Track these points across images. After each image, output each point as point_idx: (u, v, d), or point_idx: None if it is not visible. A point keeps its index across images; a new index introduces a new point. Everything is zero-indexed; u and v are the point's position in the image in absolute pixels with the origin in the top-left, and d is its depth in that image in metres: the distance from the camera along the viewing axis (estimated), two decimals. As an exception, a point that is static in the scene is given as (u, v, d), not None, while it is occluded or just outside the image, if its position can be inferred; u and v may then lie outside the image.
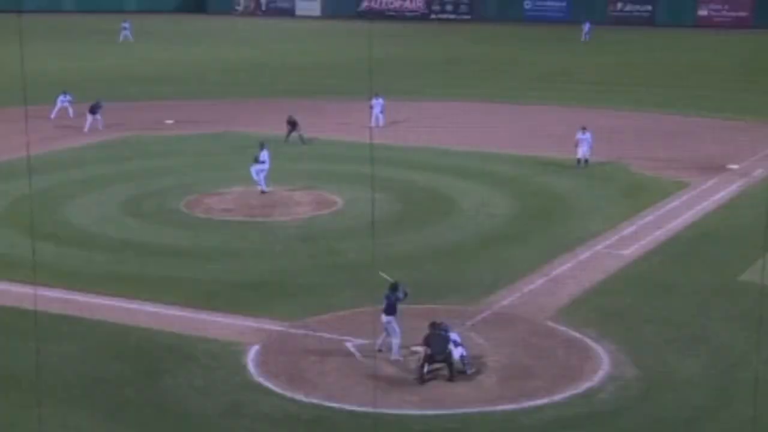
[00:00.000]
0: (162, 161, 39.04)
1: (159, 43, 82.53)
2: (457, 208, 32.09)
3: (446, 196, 33.61)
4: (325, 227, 30.06)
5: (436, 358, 19.44)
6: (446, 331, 19.73)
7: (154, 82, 51.29)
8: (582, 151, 37.08)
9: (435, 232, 29.41)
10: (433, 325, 19.77)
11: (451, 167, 37.64)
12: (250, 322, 22.28)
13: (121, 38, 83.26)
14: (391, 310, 20.12)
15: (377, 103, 43.83)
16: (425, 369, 19.39)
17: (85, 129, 43.26)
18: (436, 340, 19.49)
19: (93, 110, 44.01)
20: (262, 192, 31.96)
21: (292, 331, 21.89)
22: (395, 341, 20.25)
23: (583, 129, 37.30)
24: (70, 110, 46.27)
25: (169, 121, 46.84)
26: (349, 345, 20.93)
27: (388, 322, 20.14)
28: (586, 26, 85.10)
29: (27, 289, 22.82)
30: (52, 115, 45.83)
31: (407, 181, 35.55)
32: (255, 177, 32.99)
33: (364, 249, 26.57)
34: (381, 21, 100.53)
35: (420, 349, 19.83)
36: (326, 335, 21.46)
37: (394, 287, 20.43)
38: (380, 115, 44.17)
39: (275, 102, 52.10)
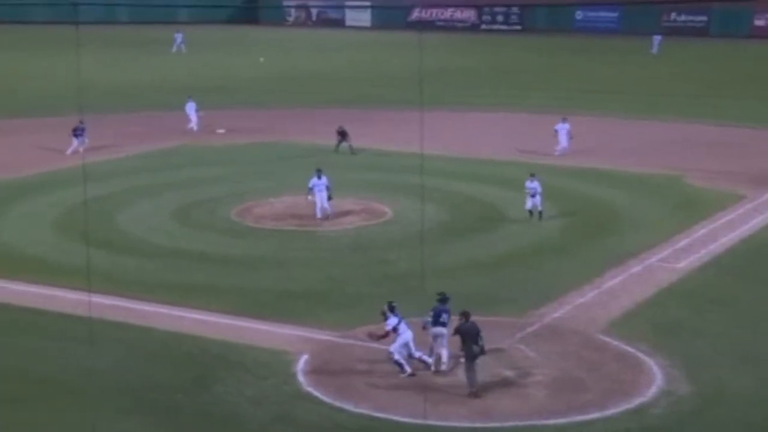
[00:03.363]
0: (213, 170, 39.32)
1: (211, 53, 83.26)
2: (506, 218, 31.86)
3: (494, 207, 33.42)
4: (374, 237, 30.02)
5: (475, 353, 19.05)
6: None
7: (206, 91, 51.70)
8: (532, 202, 31.21)
9: (483, 242, 29.23)
10: (465, 315, 19.41)
11: (499, 177, 37.40)
12: (299, 332, 22.29)
13: (175, 49, 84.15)
14: (441, 321, 19.97)
15: (563, 127, 40.96)
16: (473, 373, 18.93)
17: (68, 152, 40.73)
18: (471, 331, 19.09)
19: (77, 133, 41.17)
20: (321, 218, 31.08)
21: (341, 340, 21.87)
22: (445, 352, 20.11)
23: (532, 176, 31.45)
24: (194, 117, 46.54)
25: (221, 131, 47.19)
26: (391, 349, 20.78)
27: (440, 334, 19.99)
28: (657, 38, 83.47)
29: (81, 296, 23.07)
30: (194, 126, 46.27)
31: (456, 192, 35.39)
32: (320, 202, 31.31)
33: (413, 259, 26.46)
34: (431, 31, 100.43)
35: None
36: (374, 345, 21.37)
37: (443, 299, 20.30)
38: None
39: (325, 111, 52.25)
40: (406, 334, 19.85)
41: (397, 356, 19.82)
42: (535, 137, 46.27)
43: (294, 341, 21.79)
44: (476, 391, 19.08)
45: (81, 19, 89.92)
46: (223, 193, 35.17)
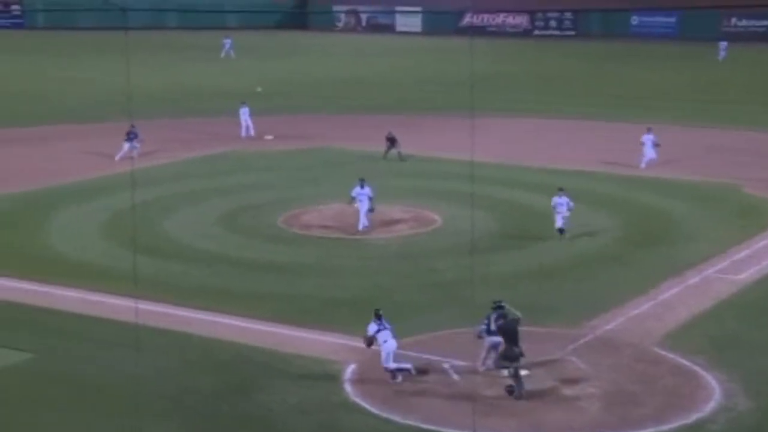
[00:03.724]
0: (261, 176, 39.52)
1: (260, 59, 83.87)
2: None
3: (546, 215, 33.10)
4: (423, 245, 29.92)
5: (516, 353, 18.97)
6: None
7: (255, 97, 52.04)
8: (560, 220, 30.00)
9: (535, 251, 28.98)
10: (500, 309, 19.44)
11: (551, 185, 37.03)
12: (345, 340, 22.22)
13: (223, 54, 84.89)
14: (495, 331, 19.79)
15: (648, 138, 39.84)
16: (518, 376, 18.89)
17: (117, 157, 41.29)
18: (510, 330, 19.08)
19: (130, 137, 41.51)
20: (361, 231, 30.71)
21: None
22: (490, 361, 19.91)
23: (560, 190, 30.39)
24: (249, 123, 46.86)
25: (269, 137, 47.43)
26: (446, 366, 20.68)
27: (497, 344, 19.80)
28: (723, 44, 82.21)
29: (127, 302, 23.25)
30: (251, 132, 46.71)
31: (506, 200, 35.18)
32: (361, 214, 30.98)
33: (463, 268, 26.31)
34: (482, 37, 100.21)
35: (526, 372, 19.52)
36: (423, 355, 21.23)
37: (499, 306, 20.13)
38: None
39: (374, 118, 52.27)
40: (389, 345, 19.88)
41: (393, 366, 19.82)
42: (588, 144, 45.85)
43: (340, 350, 21.73)
44: (516, 390, 18.99)
45: (129, 25, 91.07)
46: (269, 200, 35.31)
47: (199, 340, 22.38)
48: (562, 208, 29.82)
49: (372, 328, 20.23)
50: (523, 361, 19.28)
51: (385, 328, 20.15)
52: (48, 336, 22.54)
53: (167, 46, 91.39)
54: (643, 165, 40.10)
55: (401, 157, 42.02)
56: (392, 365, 19.90)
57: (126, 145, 41.52)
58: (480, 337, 20.08)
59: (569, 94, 62.91)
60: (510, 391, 19.11)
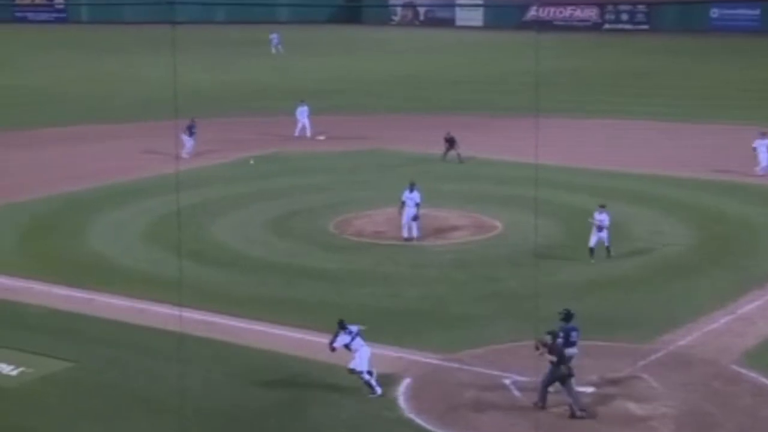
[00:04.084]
0: (311, 178, 39.76)
1: (311, 55, 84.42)
2: (627, 235, 31.31)
3: (615, 222, 32.84)
4: (483, 253, 29.87)
5: (562, 373, 19.11)
6: None
7: (305, 95, 52.38)
8: (598, 237, 28.61)
9: (603, 261, 28.74)
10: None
11: (620, 191, 36.82)
12: (399, 353, 22.29)
13: (273, 50, 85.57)
14: (571, 341, 19.75)
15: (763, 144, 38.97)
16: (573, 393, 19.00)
17: (183, 153, 42.47)
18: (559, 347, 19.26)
19: (191, 131, 43.00)
20: (407, 239, 30.42)
21: (446, 364, 21.76)
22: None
23: (602, 207, 28.99)
24: (306, 123, 47.19)
25: (321, 137, 47.72)
26: (507, 382, 20.65)
27: (572, 356, 19.75)
28: None
29: (171, 310, 23.56)
30: (306, 132, 47.12)
31: (573, 206, 34.96)
32: (407, 220, 30.67)
33: (525, 277, 26.24)
34: (548, 31, 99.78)
35: (589, 389, 19.43)
36: (482, 370, 21.22)
37: (567, 315, 20.05)
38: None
39: (432, 118, 52.31)
40: (363, 351, 20.15)
41: (366, 377, 20.01)
42: (661, 147, 45.42)
43: (394, 363, 21.78)
44: (542, 405, 19.25)
45: (177, 19, 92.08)
46: (321, 204, 35.52)
47: (247, 351, 22.56)
48: (602, 225, 28.38)
49: (342, 339, 20.40)
50: (573, 380, 19.27)
51: (356, 336, 20.41)
52: (90, 344, 22.91)
53: (216, 42, 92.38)
54: (760, 172, 39.12)
55: (460, 160, 42.02)
56: (366, 376, 20.09)
57: (188, 140, 42.50)
58: (537, 348, 19.94)
59: (642, 94, 62.35)
60: (571, 413, 19.14)
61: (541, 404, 19.42)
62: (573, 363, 19.79)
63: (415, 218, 30.52)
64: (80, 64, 77.42)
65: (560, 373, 19.21)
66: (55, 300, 26.01)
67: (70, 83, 67.48)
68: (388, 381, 20.85)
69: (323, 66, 77.30)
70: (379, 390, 20.10)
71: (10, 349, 22.46)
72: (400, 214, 30.87)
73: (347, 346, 20.34)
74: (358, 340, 20.37)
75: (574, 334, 19.98)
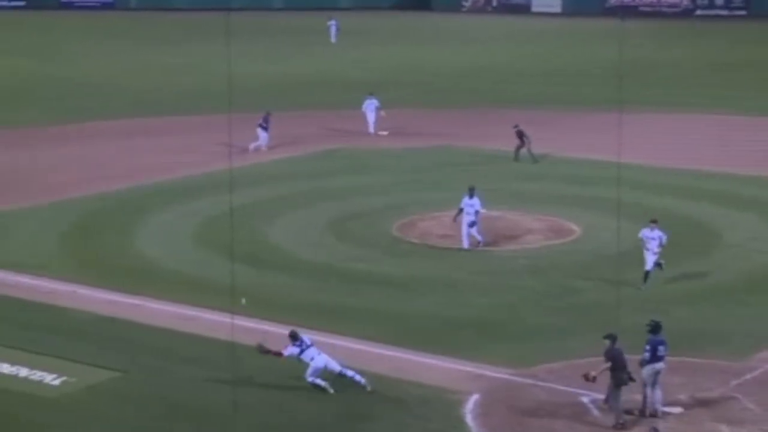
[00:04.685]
0: (373, 177, 39.88)
1: (374, 44, 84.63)
2: (720, 242, 30.95)
3: (707, 228, 32.52)
4: (559, 259, 29.74)
5: (624, 381, 19.39)
6: None
7: (367, 87, 52.54)
8: (650, 260, 26.96)
9: (693, 270, 28.45)
10: (613, 338, 19.79)
11: (712, 193, 36.39)
12: (468, 367, 22.28)
13: (334, 38, 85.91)
14: (658, 356, 19.67)
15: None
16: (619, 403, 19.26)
17: (252, 147, 43.64)
18: (620, 356, 19.47)
19: (265, 125, 43.89)
20: (469, 247, 30.25)
21: (518, 379, 21.73)
22: (659, 393, 19.75)
23: (653, 222, 27.32)
24: (372, 117, 47.46)
25: (384, 132, 47.82)
26: (585, 400, 20.55)
27: (659, 371, 19.63)
28: None
29: (223, 317, 23.79)
30: (372, 130, 47.48)
31: (659, 208, 34.52)
32: (466, 227, 30.44)
33: (605, 286, 26.07)
34: (634, 18, 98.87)
35: (676, 409, 19.29)
36: (558, 387, 21.14)
37: (655, 327, 19.91)
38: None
39: (504, 112, 52.09)
40: (318, 360, 20.93)
41: (311, 379, 20.88)
42: (761, 145, 44.77)
43: (462, 378, 21.78)
44: (624, 422, 19.28)
45: (232, 6, 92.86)
46: (383, 205, 35.62)
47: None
48: (653, 244, 26.75)
49: (292, 350, 21.17)
50: (631, 384, 19.55)
51: (308, 347, 21.17)
52: (137, 353, 23.25)
53: (271, 29, 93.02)
54: None
55: (533, 158, 41.83)
56: (348, 373, 20.99)
57: (263, 134, 43.43)
58: (642, 365, 19.84)
59: (737, 87, 61.47)
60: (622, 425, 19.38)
61: (621, 422, 19.35)
62: (660, 380, 19.65)
63: (472, 224, 30.29)
64: (128, 54, 78.49)
65: (622, 380, 19.36)
66: (99, 305, 26.43)
67: (118, 74, 68.47)
68: (454, 397, 20.87)
69: (387, 56, 77.44)
70: (330, 389, 20.82)
71: (52, 357, 22.88)
72: (455, 221, 30.72)
73: (298, 358, 21.12)
74: (311, 352, 21.12)
75: (661, 348, 19.83)
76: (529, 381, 21.56)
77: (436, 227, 32.70)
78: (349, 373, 21.13)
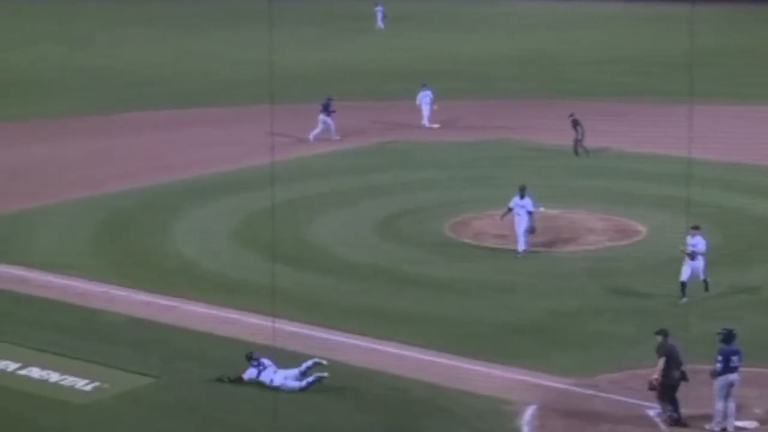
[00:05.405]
0: (423, 173, 39.86)
1: (422, 30, 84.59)
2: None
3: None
4: (623, 261, 29.56)
5: (677, 379, 19.51)
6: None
7: (417, 77, 52.53)
8: (692, 268, 26.07)
9: (718, 293, 27.82)
10: (665, 334, 19.93)
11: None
12: (523, 376, 22.21)
13: (381, 25, 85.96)
14: (731, 366, 19.60)
15: None
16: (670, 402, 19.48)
17: (311, 136, 44.46)
18: (674, 353, 19.61)
19: (326, 110, 44.80)
20: (518, 254, 29.94)
21: (577, 390, 21.62)
22: (733, 405, 19.62)
23: (695, 229, 26.35)
24: (426, 109, 47.75)
25: (435, 125, 47.80)
26: (651, 413, 20.40)
27: (733, 383, 19.52)
28: None
29: (263, 321, 23.91)
30: (426, 123, 47.68)
31: (733, 208, 34.35)
32: (518, 230, 30.18)
33: (673, 291, 25.83)
34: (706, 3, 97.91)
35: (751, 424, 19.15)
36: (621, 398, 21.00)
37: (728, 336, 19.74)
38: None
39: (563, 103, 51.83)
40: (276, 381, 21.44)
41: (280, 383, 21.43)
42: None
43: (517, 387, 21.72)
44: (678, 417, 19.60)
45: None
46: (434, 202, 35.59)
47: (348, 369, 22.69)
48: (696, 252, 26.00)
49: (250, 373, 21.66)
50: (683, 384, 19.69)
51: (265, 368, 21.63)
52: (172, 358, 23.39)
53: (315, 16, 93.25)
54: None
55: (585, 151, 41.56)
56: (305, 383, 21.50)
57: (328, 120, 44.23)
58: (713, 376, 19.68)
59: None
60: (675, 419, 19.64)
61: (677, 414, 19.61)
62: (733, 392, 19.47)
63: (532, 231, 30.07)
64: (164, 42, 79.09)
65: (675, 378, 19.45)
66: (133, 307, 26.64)
67: (153, 63, 69.03)
68: (509, 408, 20.81)
69: (436, 43, 77.37)
70: (324, 374, 21.48)
71: (84, 361, 23.06)
72: (502, 219, 30.56)
73: (257, 380, 21.54)
74: (268, 372, 21.58)
75: (735, 358, 19.63)
76: (590, 392, 21.44)
77: (491, 226, 32.59)
78: (310, 380, 21.48)
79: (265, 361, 21.79)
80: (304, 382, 21.49)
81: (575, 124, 41.88)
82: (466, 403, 21.03)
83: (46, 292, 27.64)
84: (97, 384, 22.06)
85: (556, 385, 21.85)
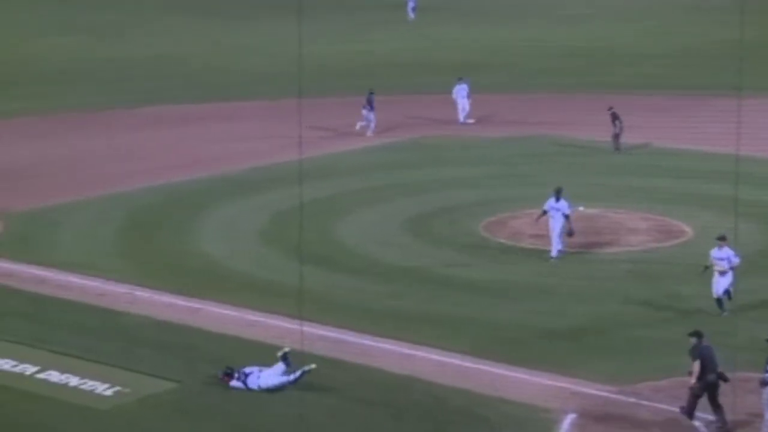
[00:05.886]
0: (458, 170, 39.77)
1: (455, 21, 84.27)
2: None
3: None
4: (667, 264, 29.38)
5: (712, 381, 19.58)
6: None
7: (451, 70, 52.38)
8: (723, 284, 25.38)
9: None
10: (699, 335, 20.06)
11: None
12: (563, 383, 22.14)
13: (412, 15, 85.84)
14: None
15: None
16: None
17: (358, 128, 45.04)
18: (709, 354, 19.67)
19: (370, 104, 45.14)
20: (551, 257, 29.72)
21: (619, 398, 21.53)
22: None
23: (722, 240, 25.73)
24: (462, 104, 47.61)
25: (470, 121, 47.69)
26: (696, 423, 20.26)
27: None
28: None
29: (290, 324, 23.91)
30: (461, 118, 47.64)
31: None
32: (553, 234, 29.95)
33: (720, 295, 25.71)
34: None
35: None
36: (665, 407, 20.90)
37: None
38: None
39: (603, 97, 51.52)
40: (264, 379, 21.81)
41: (268, 384, 21.72)
42: None
43: (557, 395, 21.63)
44: (725, 426, 19.68)
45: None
46: (469, 201, 35.50)
47: (380, 375, 22.70)
48: (722, 265, 25.35)
49: (236, 384, 21.98)
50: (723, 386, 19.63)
51: (247, 376, 21.95)
52: (195, 362, 23.42)
53: (345, 6, 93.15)
54: None
55: (618, 146, 41.33)
56: (293, 376, 21.93)
57: (370, 115, 44.43)
58: (764, 384, 19.52)
59: None
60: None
61: (722, 422, 19.71)
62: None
63: (570, 234, 29.75)
64: (193, 32, 79.16)
65: (708, 382, 19.49)
66: (156, 309, 26.71)
67: (179, 54, 69.15)
68: (548, 416, 20.73)
69: (469, 35, 77.14)
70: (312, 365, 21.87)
71: (105, 365, 23.17)
72: (537, 221, 30.37)
73: (247, 389, 21.91)
74: (252, 379, 21.89)
75: None
76: (632, 399, 21.36)
77: (527, 226, 32.45)
78: (297, 374, 21.87)
79: (246, 370, 22.03)
80: (292, 376, 21.72)
81: (614, 118, 41.68)
82: (504, 411, 20.98)
83: (66, 292, 27.77)
84: (118, 388, 22.13)
85: (597, 392, 21.77)
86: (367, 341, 24.46)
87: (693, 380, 19.78)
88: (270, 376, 21.89)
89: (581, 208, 31.54)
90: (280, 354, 21.93)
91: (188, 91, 55.95)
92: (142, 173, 39.55)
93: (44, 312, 26.49)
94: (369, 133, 44.81)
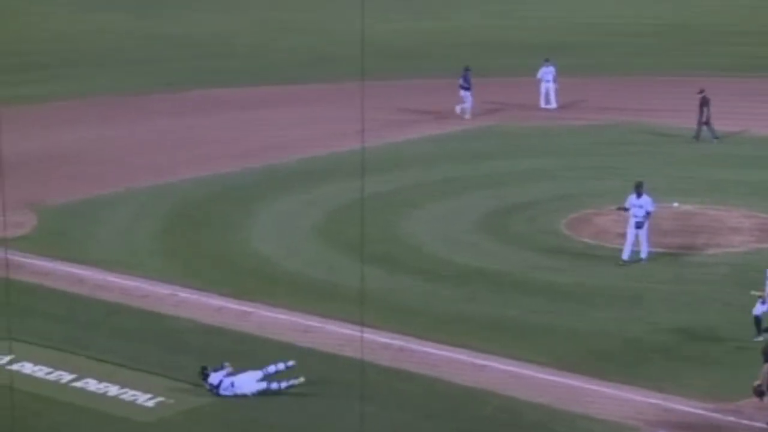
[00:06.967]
0: (538, 161, 39.66)
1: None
2: None
3: None
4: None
5: None
6: None
7: (534, 50, 52.23)
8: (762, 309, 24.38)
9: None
10: None
11: None
12: (653, 399, 21.96)
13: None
14: None
15: None
16: None
17: (458, 110, 45.44)
18: None
19: (466, 83, 45.53)
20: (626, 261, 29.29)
21: (716, 416, 21.37)
22: None
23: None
24: (544, 87, 47.69)
25: (552, 106, 47.49)
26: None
27: None
28: None
29: (350, 330, 23.86)
30: (543, 103, 47.86)
31: None
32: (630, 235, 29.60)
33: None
34: None
35: None
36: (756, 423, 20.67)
37: None
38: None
39: (696, 80, 51.11)
40: (238, 385, 22.00)
41: (242, 390, 21.98)
42: None
43: (646, 412, 21.49)
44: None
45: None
46: (549, 196, 35.36)
47: (448, 388, 22.63)
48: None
49: (213, 379, 22.08)
50: None
51: (217, 386, 22.10)
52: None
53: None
54: None
55: (714, 135, 41.05)
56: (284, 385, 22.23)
57: (468, 96, 45.17)
58: None
59: None
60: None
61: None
62: None
63: (639, 226, 29.12)
64: (243, 9, 79.63)
65: None
66: (203, 312, 26.80)
67: (231, 33, 69.57)
68: (636, 436, 20.57)
69: (545, 10, 76.92)
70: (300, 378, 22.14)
71: (147, 373, 23.29)
72: (618, 211, 30.05)
73: (233, 393, 22.11)
74: (225, 386, 22.06)
75: None
76: (731, 418, 21.22)
77: (614, 224, 32.21)
78: (277, 385, 22.14)
79: (214, 381, 22.13)
80: (274, 385, 22.04)
81: (704, 102, 41.16)
82: (585, 428, 20.90)
83: (105, 293, 27.95)
84: (160, 399, 22.23)
85: (692, 410, 21.62)
86: (434, 350, 24.39)
87: (758, 381, 19.79)
88: (246, 382, 22.05)
89: (675, 204, 31.23)
90: (269, 371, 22.26)
91: (240, 74, 56.26)
92: (189, 163, 39.79)
93: (81, 314, 26.68)
94: (467, 116, 45.13)
